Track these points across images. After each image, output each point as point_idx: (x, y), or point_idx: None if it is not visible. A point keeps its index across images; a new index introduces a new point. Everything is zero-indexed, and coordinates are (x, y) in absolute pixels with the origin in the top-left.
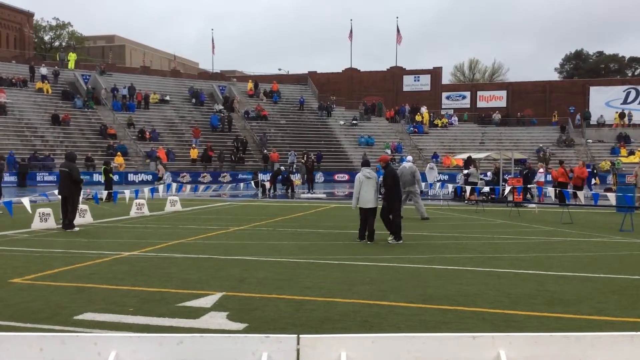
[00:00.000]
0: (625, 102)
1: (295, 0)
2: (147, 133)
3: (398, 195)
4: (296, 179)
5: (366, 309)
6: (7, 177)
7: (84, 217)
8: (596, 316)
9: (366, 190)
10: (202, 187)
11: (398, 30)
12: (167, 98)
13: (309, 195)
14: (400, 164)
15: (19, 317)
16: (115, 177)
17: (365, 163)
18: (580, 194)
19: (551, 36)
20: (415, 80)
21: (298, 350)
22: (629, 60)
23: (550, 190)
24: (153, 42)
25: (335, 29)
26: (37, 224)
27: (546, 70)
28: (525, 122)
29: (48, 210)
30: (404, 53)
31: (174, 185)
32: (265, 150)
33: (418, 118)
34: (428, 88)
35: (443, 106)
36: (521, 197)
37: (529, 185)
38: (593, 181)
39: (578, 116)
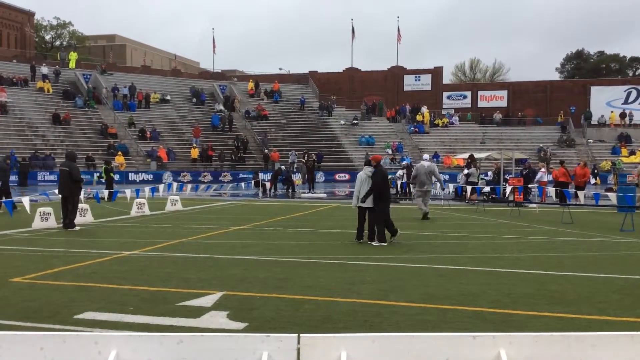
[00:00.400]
0: (626, 102)
1: (296, 0)
2: (148, 132)
3: (385, 195)
4: (297, 178)
5: (367, 309)
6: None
7: (84, 217)
8: (597, 316)
9: (366, 189)
10: (202, 186)
11: (398, 30)
12: (168, 97)
13: (310, 194)
14: (418, 163)
15: (20, 316)
16: (116, 177)
17: (368, 162)
18: (580, 194)
19: (552, 36)
20: (416, 80)
21: (298, 350)
22: (630, 60)
23: (551, 190)
24: (154, 42)
25: (336, 28)
26: (37, 223)
27: (547, 70)
28: (528, 122)
29: (49, 209)
30: (404, 53)
31: (175, 184)
32: (265, 150)
33: (419, 118)
34: (429, 88)
35: (444, 106)
36: (522, 197)
37: (529, 185)
38: (593, 181)
39: (583, 117)
